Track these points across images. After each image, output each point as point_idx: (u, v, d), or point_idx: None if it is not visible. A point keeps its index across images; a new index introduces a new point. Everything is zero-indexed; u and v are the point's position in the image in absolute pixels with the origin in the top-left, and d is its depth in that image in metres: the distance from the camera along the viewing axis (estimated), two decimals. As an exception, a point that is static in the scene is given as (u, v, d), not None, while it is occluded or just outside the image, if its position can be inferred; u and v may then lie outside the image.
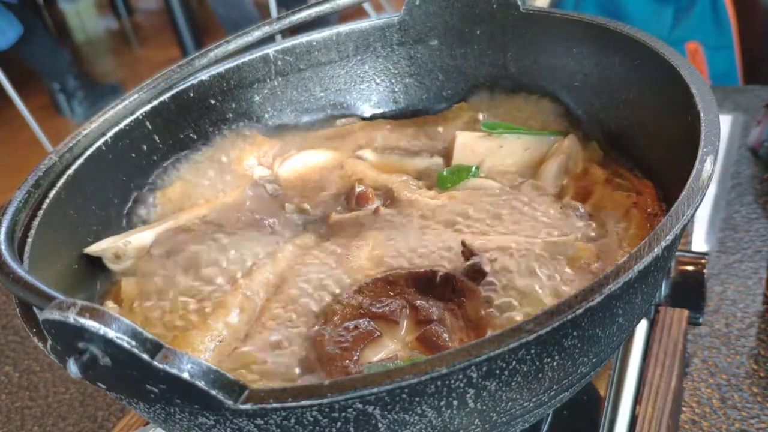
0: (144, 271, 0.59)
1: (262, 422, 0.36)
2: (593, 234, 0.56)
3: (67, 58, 3.71)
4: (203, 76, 0.70)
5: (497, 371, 0.37)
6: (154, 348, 0.33)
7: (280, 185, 0.69)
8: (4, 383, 0.92)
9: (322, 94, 0.77)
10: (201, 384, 0.33)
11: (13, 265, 0.41)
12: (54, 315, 0.32)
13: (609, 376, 0.62)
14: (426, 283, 0.53)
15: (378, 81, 0.78)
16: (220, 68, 0.71)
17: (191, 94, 0.70)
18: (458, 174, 0.66)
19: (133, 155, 0.66)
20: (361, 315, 0.51)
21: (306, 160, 0.72)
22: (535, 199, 0.61)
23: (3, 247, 0.43)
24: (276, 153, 0.73)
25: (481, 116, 0.74)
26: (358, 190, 0.65)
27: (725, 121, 1.14)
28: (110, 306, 0.57)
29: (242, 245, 0.60)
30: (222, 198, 0.67)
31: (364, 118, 0.78)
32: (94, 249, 0.60)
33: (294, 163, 0.71)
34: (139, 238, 0.62)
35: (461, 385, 0.36)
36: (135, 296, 0.57)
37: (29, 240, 0.51)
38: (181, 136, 0.70)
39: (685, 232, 0.75)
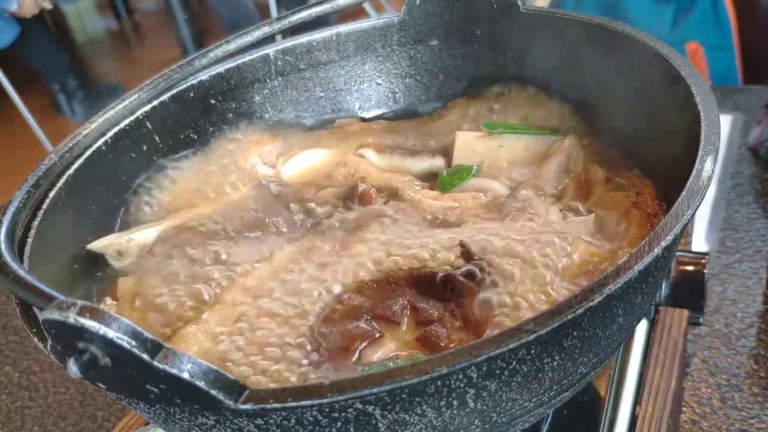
0: (145, 269, 0.60)
1: (262, 422, 0.36)
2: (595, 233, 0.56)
3: (67, 58, 3.72)
4: (203, 76, 0.70)
5: (497, 371, 0.37)
6: (154, 348, 0.33)
7: (283, 184, 0.69)
8: (4, 383, 0.92)
9: (322, 94, 0.77)
10: (201, 384, 0.33)
11: (13, 265, 0.41)
12: (54, 315, 0.32)
13: (609, 376, 0.62)
14: (426, 283, 0.53)
15: (378, 81, 0.78)
16: (220, 68, 0.71)
17: (191, 94, 0.70)
18: (459, 174, 0.66)
19: (134, 155, 0.66)
20: (362, 315, 0.51)
21: (309, 159, 0.72)
22: (536, 199, 0.61)
23: (3, 247, 0.43)
24: (279, 152, 0.73)
25: (481, 116, 0.73)
26: (361, 188, 0.65)
27: (725, 121, 1.14)
28: (108, 304, 0.57)
29: (245, 244, 0.60)
30: (226, 197, 0.67)
31: (364, 119, 0.78)
32: (96, 245, 0.60)
33: (297, 162, 0.71)
34: (142, 235, 0.62)
35: (461, 385, 0.36)
36: (131, 294, 0.57)
37: (29, 240, 0.51)
38: (182, 136, 0.70)
39: (685, 232, 0.75)
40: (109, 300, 0.58)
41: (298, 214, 0.64)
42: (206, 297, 0.56)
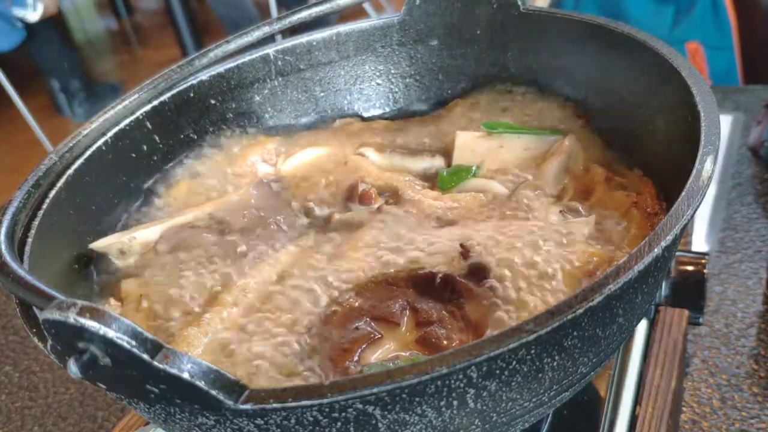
0: (148, 269, 0.60)
1: (262, 422, 0.36)
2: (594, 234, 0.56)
3: (74, 58, 3.73)
4: (203, 76, 0.70)
5: (497, 371, 0.37)
6: (154, 348, 0.33)
7: (283, 183, 0.69)
8: (4, 383, 0.92)
9: (322, 94, 0.77)
10: (201, 384, 0.33)
11: (13, 265, 0.41)
12: (54, 315, 0.32)
13: (609, 376, 0.62)
14: (426, 284, 0.53)
15: (378, 81, 0.78)
16: (220, 68, 0.71)
17: (191, 94, 0.70)
18: (458, 174, 0.66)
19: (133, 155, 0.66)
20: (362, 316, 0.51)
21: (309, 157, 0.72)
22: (536, 199, 0.61)
23: (3, 247, 0.43)
24: (279, 150, 0.73)
25: (481, 116, 0.73)
26: (361, 188, 0.65)
27: (725, 121, 1.14)
28: (112, 305, 0.57)
29: (246, 243, 0.60)
30: (228, 196, 0.67)
31: (364, 118, 0.78)
32: (99, 245, 0.60)
33: (297, 160, 0.71)
34: (145, 234, 0.62)
35: (461, 385, 0.36)
36: (135, 296, 0.57)
37: (29, 240, 0.51)
38: (182, 136, 0.71)
39: (685, 232, 0.75)
40: (113, 301, 0.58)
41: (299, 212, 0.64)
42: (208, 298, 0.56)
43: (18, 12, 3.07)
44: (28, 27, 3.19)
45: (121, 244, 0.61)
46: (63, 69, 3.61)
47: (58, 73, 3.64)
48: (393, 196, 0.65)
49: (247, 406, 0.34)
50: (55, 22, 3.63)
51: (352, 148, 0.72)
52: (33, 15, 3.12)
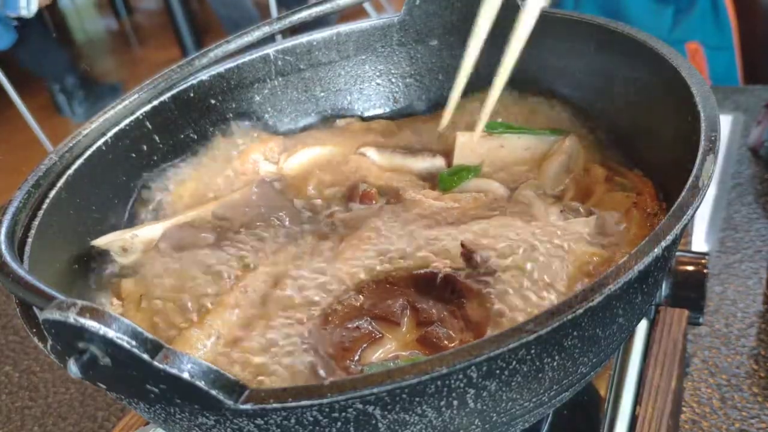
0: (149, 268, 0.60)
1: (262, 422, 0.36)
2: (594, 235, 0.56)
3: (66, 59, 3.71)
4: (203, 76, 0.70)
5: (497, 371, 0.37)
6: (155, 348, 0.33)
7: (285, 181, 0.69)
8: (4, 383, 0.92)
9: (322, 94, 0.77)
10: (201, 384, 0.33)
11: (13, 265, 0.41)
12: (54, 315, 0.32)
13: (609, 376, 0.62)
14: (427, 284, 0.53)
15: (378, 81, 0.78)
16: (220, 68, 0.71)
17: (191, 94, 0.70)
18: (459, 175, 0.66)
19: (134, 155, 0.66)
20: (362, 315, 0.51)
21: (310, 156, 0.72)
22: (536, 199, 0.61)
23: (3, 247, 0.43)
24: (280, 149, 0.73)
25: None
26: (362, 188, 0.65)
27: (725, 121, 1.14)
28: (113, 304, 0.57)
29: (247, 242, 0.60)
30: (229, 195, 0.67)
31: (364, 118, 0.78)
32: (101, 242, 0.60)
33: (299, 160, 0.71)
34: (147, 231, 0.62)
35: (461, 385, 0.36)
36: (136, 295, 0.57)
37: (29, 240, 0.51)
38: (182, 136, 0.70)
39: (685, 232, 0.75)
40: (115, 300, 0.58)
41: (301, 211, 0.65)
42: (209, 299, 0.56)
43: (12, 13, 3.06)
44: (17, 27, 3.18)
45: (123, 242, 0.61)
46: (54, 69, 3.59)
47: (49, 73, 3.62)
48: (394, 196, 0.65)
49: (247, 406, 0.34)
50: (44, 20, 3.61)
51: (352, 147, 0.72)
52: (27, 12, 3.10)
